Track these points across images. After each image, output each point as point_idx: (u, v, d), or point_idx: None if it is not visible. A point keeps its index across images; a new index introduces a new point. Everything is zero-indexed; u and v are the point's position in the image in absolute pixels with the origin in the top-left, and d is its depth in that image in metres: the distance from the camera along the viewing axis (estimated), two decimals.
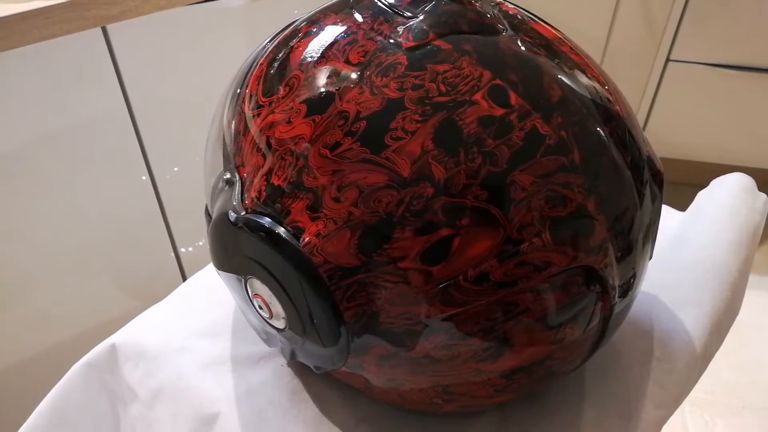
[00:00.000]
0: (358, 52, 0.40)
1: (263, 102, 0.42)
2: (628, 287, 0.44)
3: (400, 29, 0.40)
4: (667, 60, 1.51)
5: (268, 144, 0.41)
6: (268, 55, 0.44)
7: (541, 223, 0.37)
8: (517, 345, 0.41)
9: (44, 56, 0.79)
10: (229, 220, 0.42)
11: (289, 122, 0.40)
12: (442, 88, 0.37)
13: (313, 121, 0.39)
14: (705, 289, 0.60)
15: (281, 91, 0.41)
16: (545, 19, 0.45)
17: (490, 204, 0.36)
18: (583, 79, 0.41)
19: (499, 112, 0.37)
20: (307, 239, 0.39)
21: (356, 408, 0.54)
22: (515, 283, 0.38)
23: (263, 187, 0.41)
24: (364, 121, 0.37)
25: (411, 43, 0.39)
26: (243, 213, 0.41)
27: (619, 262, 0.41)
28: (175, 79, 0.93)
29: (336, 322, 0.40)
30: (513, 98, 0.37)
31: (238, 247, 0.43)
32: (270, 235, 0.40)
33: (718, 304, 0.59)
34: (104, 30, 0.82)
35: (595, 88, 0.41)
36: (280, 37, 0.45)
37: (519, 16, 0.43)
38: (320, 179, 0.38)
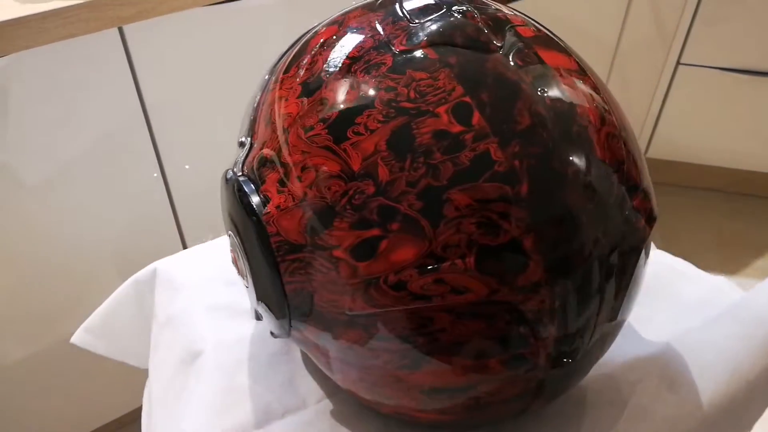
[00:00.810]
0: (356, 47, 0.41)
1: (280, 78, 0.45)
2: (578, 340, 0.41)
3: (400, 33, 0.41)
4: (678, 63, 1.51)
5: (271, 116, 0.43)
6: (306, 38, 0.47)
7: (468, 246, 0.36)
8: (433, 363, 0.40)
9: (61, 55, 0.80)
10: (226, 177, 0.45)
11: (286, 99, 0.43)
12: (412, 94, 0.38)
13: (301, 102, 0.41)
14: (704, 377, 0.53)
15: (291, 70, 0.44)
16: (566, 44, 0.44)
17: (421, 215, 0.37)
18: (574, 112, 0.39)
19: (457, 128, 0.37)
20: (268, 209, 0.42)
21: (327, 385, 0.56)
22: (430, 298, 0.38)
23: (258, 154, 0.44)
24: (336, 111, 0.39)
25: (402, 47, 0.40)
26: (239, 174, 0.44)
27: (559, 310, 0.39)
28: (189, 80, 0.94)
29: (281, 293, 0.43)
30: (475, 118, 0.37)
31: (226, 203, 0.46)
32: (243, 199, 0.43)
33: (713, 403, 0.52)
34: (120, 30, 0.83)
35: (585, 123, 0.39)
36: (323, 23, 0.48)
37: (529, 40, 0.42)
38: (293, 157, 0.41)
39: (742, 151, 1.61)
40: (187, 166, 1.01)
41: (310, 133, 0.40)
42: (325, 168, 0.39)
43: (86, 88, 0.85)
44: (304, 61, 0.44)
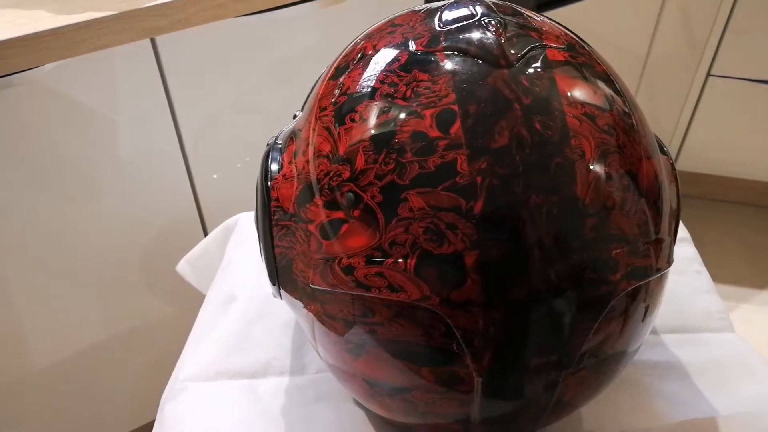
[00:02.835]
0: (385, 42, 0.43)
1: (333, 61, 0.47)
2: (516, 378, 0.40)
3: (426, 34, 0.42)
4: (708, 74, 1.49)
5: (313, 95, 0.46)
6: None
7: (413, 248, 0.37)
8: (371, 353, 0.42)
9: (95, 66, 0.82)
10: (267, 143, 0.48)
11: (322, 81, 0.45)
12: (409, 93, 0.39)
13: (328, 84, 0.44)
14: None
15: (339, 55, 0.47)
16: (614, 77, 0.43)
17: (379, 208, 0.38)
18: (566, 142, 0.38)
19: (435, 133, 0.37)
20: (277, 176, 0.45)
21: None
22: (369, 288, 0.39)
23: (292, 127, 0.48)
24: (345, 97, 0.42)
25: (421, 48, 0.41)
26: (276, 143, 0.47)
27: (494, 337, 0.38)
28: (220, 89, 0.94)
29: (272, 254, 0.45)
30: (455, 127, 0.37)
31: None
32: (265, 164, 0.46)
33: None
34: (153, 41, 0.84)
35: (575, 157, 0.37)
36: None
37: (553, 62, 0.40)
38: (307, 133, 0.44)
39: None
40: (215, 176, 1.02)
41: (322, 113, 0.42)
42: (320, 147, 0.41)
43: (118, 98, 0.86)
44: (347, 49, 0.46)
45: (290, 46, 0.97)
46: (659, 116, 1.58)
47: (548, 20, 0.45)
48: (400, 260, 0.37)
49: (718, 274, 1.58)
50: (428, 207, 0.36)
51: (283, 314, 0.63)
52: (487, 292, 0.37)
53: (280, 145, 0.47)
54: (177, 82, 0.89)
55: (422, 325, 0.39)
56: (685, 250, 0.71)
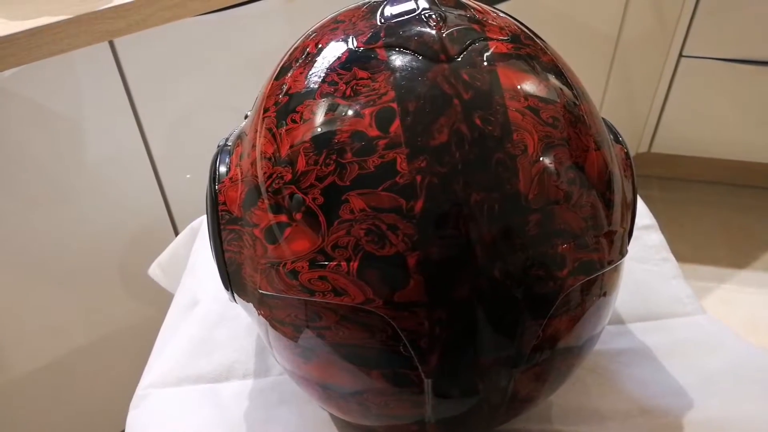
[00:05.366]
0: (327, 39, 0.42)
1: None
2: (467, 377, 0.40)
3: (367, 30, 0.41)
4: (680, 55, 1.49)
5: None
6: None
7: (355, 251, 0.37)
8: (321, 358, 0.42)
9: (54, 71, 0.80)
10: (218, 144, 0.48)
11: (268, 80, 0.45)
12: (348, 92, 0.38)
13: (273, 84, 0.43)
14: None
15: (284, 54, 0.46)
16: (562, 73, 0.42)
17: (321, 210, 0.37)
18: (508, 137, 0.37)
19: (374, 133, 0.36)
20: (224, 180, 0.44)
21: None
22: (313, 293, 0.38)
23: (241, 129, 0.47)
24: (287, 97, 0.41)
25: (361, 45, 0.40)
26: (226, 144, 0.47)
27: (440, 338, 0.38)
28: (183, 90, 0.93)
29: (222, 259, 0.45)
30: (395, 126, 0.36)
31: None
32: (213, 167, 0.45)
33: None
34: (111, 44, 0.83)
35: (517, 152, 0.37)
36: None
37: (496, 56, 0.39)
38: (252, 134, 0.43)
39: (747, 143, 1.59)
40: (188, 176, 1.01)
41: (266, 114, 0.42)
42: (264, 149, 0.41)
43: (81, 102, 0.84)
44: (292, 48, 0.45)
45: (260, 43, 0.96)
46: (633, 99, 1.58)
47: (494, 11, 0.45)
48: (343, 263, 0.37)
49: (697, 255, 1.60)
50: (369, 208, 0.36)
51: (246, 316, 0.63)
52: (430, 292, 0.36)
53: (229, 147, 0.46)
54: (139, 84, 0.88)
55: (368, 328, 0.38)
56: (651, 237, 0.71)
